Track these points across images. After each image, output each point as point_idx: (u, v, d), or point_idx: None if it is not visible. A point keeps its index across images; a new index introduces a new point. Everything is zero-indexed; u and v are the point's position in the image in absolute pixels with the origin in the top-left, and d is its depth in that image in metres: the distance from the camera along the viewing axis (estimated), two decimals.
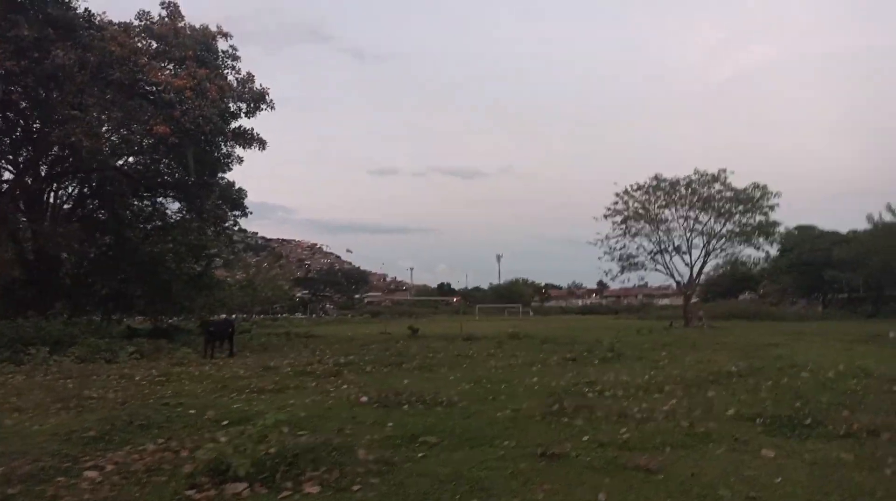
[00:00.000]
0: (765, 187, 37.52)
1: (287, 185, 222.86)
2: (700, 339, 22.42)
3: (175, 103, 18.87)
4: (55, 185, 24.74)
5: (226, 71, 22.33)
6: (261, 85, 23.43)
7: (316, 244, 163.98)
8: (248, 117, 23.38)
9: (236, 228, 32.50)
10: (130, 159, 24.33)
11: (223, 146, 23.90)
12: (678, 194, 38.42)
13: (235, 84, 22.53)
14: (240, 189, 28.27)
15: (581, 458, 5.59)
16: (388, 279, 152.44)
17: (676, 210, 38.86)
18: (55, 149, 21.98)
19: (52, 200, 24.71)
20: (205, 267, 28.66)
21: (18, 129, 22.24)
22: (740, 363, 13.07)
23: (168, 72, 19.94)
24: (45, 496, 4.50)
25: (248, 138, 23.54)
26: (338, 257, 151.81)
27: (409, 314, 67.29)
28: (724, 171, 37.77)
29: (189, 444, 5.60)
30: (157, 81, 19.19)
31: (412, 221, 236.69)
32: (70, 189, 25.62)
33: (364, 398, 9.01)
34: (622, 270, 40.90)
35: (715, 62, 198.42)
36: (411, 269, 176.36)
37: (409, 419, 7.48)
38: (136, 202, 26.41)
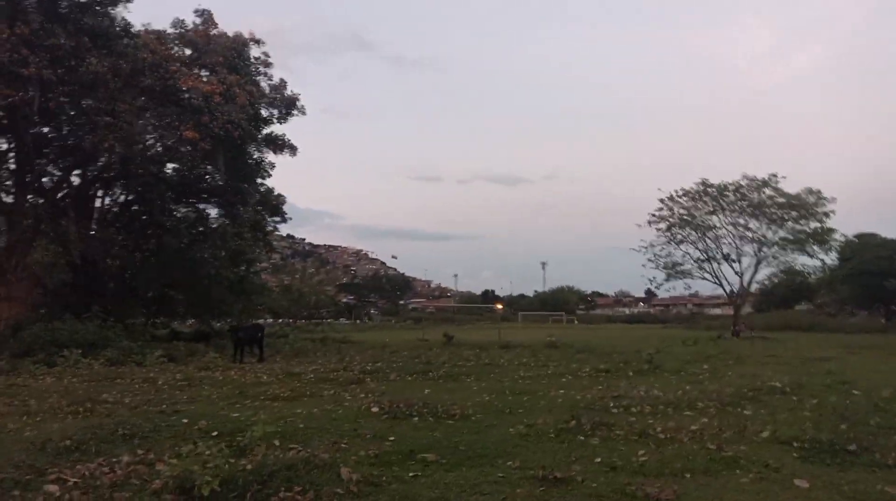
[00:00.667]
0: (819, 193, 35.74)
1: (334, 191, 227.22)
2: (747, 351, 21.27)
3: (204, 109, 19.02)
4: (102, 191, 25.38)
5: (258, 77, 22.50)
6: (292, 91, 23.66)
7: (362, 250, 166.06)
8: (280, 123, 23.56)
9: (283, 233, 32.95)
10: (170, 166, 24.71)
11: (255, 152, 24.05)
12: (726, 200, 36.91)
13: (268, 90, 22.70)
14: (279, 195, 28.65)
15: (587, 483, 5.08)
16: (432, 286, 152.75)
17: (725, 216, 37.34)
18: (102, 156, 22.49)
19: (99, 205, 25.35)
20: (245, 272, 29.02)
21: (65, 136, 22.82)
22: (785, 378, 12.18)
23: (201, 79, 20.12)
24: None
25: (280, 144, 23.68)
26: (383, 263, 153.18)
27: (452, 320, 66.94)
28: (775, 175, 36.14)
29: (168, 456, 5.33)
30: (186, 87, 19.37)
31: (456, 227, 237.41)
32: (114, 195, 26.24)
33: (375, 408, 8.68)
34: (667, 278, 39.60)
35: (764, 67, 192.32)
36: (455, 275, 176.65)
37: (414, 433, 7.10)
38: (178, 208, 26.87)
